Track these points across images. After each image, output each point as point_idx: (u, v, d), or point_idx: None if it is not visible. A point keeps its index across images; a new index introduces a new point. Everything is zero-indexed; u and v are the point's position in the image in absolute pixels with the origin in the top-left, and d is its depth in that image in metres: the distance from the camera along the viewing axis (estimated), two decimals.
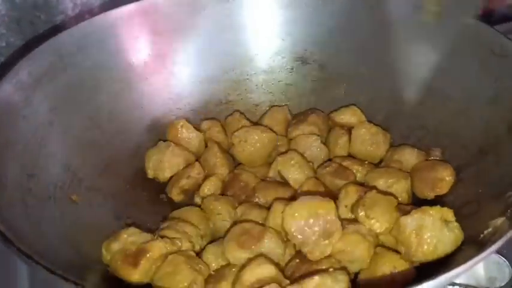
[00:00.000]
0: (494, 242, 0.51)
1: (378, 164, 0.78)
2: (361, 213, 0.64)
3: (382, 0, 0.81)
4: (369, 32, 0.82)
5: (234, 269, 0.61)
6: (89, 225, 0.68)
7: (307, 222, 0.60)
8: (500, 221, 0.56)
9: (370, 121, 0.80)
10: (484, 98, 0.71)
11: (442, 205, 0.66)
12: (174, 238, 0.64)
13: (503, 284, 0.67)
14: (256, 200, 0.72)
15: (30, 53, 0.72)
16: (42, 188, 0.66)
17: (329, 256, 0.61)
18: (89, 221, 0.69)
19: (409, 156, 0.74)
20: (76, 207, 0.69)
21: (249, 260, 0.60)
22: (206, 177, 0.77)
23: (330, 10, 0.84)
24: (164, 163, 0.78)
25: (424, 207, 0.61)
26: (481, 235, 0.56)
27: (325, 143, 0.80)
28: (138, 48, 0.82)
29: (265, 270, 0.58)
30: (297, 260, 0.62)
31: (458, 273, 0.49)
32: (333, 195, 0.68)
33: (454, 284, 0.69)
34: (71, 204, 0.68)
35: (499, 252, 0.67)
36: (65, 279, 0.46)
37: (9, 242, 0.50)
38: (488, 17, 1.07)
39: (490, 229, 0.56)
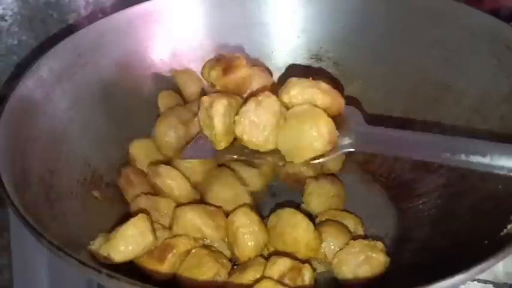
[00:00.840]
0: None
1: None
2: None
3: None
4: (384, 29, 0.82)
5: (260, 259, 0.62)
6: (111, 220, 0.68)
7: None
8: None
9: None
10: (500, 94, 0.71)
11: (458, 201, 0.67)
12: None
13: None
14: None
15: (50, 50, 0.72)
16: (64, 183, 0.66)
17: None
18: (111, 217, 0.69)
19: None
20: (97, 203, 0.69)
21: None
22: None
23: (346, 7, 0.84)
24: None
25: None
26: (504, 230, 0.57)
27: None
28: (155, 46, 0.83)
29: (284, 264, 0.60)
30: None
31: (480, 270, 0.49)
32: None
33: (472, 279, 0.69)
34: (92, 200, 0.69)
35: None
36: (98, 271, 0.46)
37: (41, 235, 0.49)
38: (497, 14, 1.07)
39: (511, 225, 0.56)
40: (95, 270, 0.46)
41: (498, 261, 0.49)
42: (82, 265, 0.47)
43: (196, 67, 0.84)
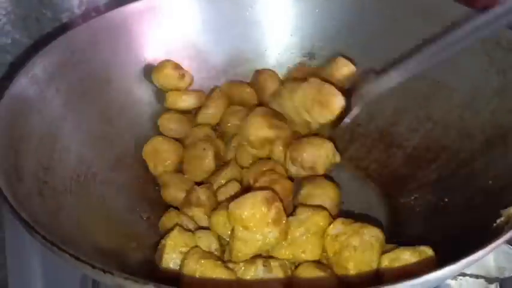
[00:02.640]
0: (508, 230, 0.52)
1: None
2: None
3: None
4: (376, 27, 0.83)
5: None
6: (104, 218, 0.68)
7: None
8: None
9: None
10: (490, 90, 0.71)
11: (449, 197, 0.68)
12: None
13: None
14: None
15: (44, 49, 0.72)
16: (58, 180, 0.65)
17: None
18: (104, 214, 0.69)
19: None
20: (91, 200, 0.69)
21: None
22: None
23: (339, 5, 0.84)
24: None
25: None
26: (494, 224, 0.57)
27: None
28: (149, 44, 0.83)
29: None
30: None
31: (471, 261, 0.49)
32: None
33: (464, 274, 0.69)
34: (86, 197, 0.68)
35: (508, 242, 0.68)
36: (92, 266, 0.46)
37: (35, 230, 0.50)
38: None
39: (502, 218, 0.57)
40: (89, 265, 0.46)
41: (485, 254, 0.49)
42: (76, 260, 0.47)
43: (190, 65, 0.85)
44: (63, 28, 0.79)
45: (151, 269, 0.64)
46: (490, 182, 0.65)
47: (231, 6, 0.85)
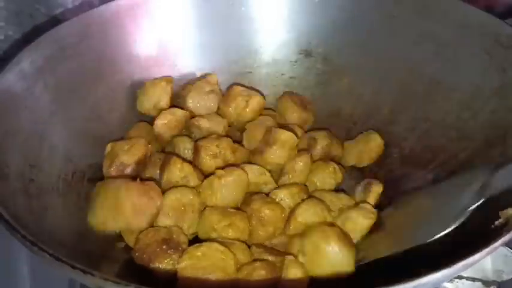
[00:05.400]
0: (505, 232, 0.51)
1: None
2: None
3: None
4: (374, 24, 0.82)
5: None
6: None
7: None
8: (511, 211, 0.55)
9: None
10: (490, 89, 0.70)
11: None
12: None
13: (510, 277, 0.67)
14: None
15: (33, 43, 0.71)
16: (45, 178, 0.64)
17: None
18: None
19: None
20: (79, 199, 0.68)
21: None
22: None
23: (335, 2, 0.83)
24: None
25: None
26: (492, 226, 0.56)
27: None
28: (140, 40, 0.81)
29: None
30: None
31: (468, 264, 0.48)
32: None
33: (461, 277, 0.68)
34: (74, 196, 0.67)
35: (507, 244, 0.66)
36: (72, 266, 0.45)
37: (14, 229, 0.48)
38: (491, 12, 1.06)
39: (501, 219, 0.55)
40: (69, 265, 0.45)
41: (482, 257, 0.48)
42: (56, 260, 0.46)
43: (183, 61, 0.84)
44: (56, 23, 0.77)
45: (139, 271, 0.63)
46: None
47: (225, 1, 0.84)
